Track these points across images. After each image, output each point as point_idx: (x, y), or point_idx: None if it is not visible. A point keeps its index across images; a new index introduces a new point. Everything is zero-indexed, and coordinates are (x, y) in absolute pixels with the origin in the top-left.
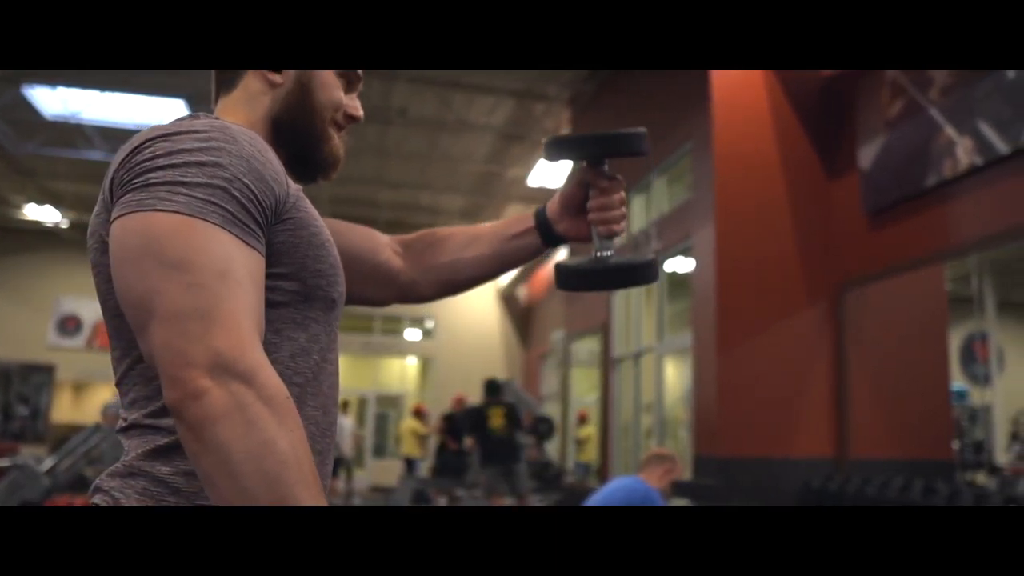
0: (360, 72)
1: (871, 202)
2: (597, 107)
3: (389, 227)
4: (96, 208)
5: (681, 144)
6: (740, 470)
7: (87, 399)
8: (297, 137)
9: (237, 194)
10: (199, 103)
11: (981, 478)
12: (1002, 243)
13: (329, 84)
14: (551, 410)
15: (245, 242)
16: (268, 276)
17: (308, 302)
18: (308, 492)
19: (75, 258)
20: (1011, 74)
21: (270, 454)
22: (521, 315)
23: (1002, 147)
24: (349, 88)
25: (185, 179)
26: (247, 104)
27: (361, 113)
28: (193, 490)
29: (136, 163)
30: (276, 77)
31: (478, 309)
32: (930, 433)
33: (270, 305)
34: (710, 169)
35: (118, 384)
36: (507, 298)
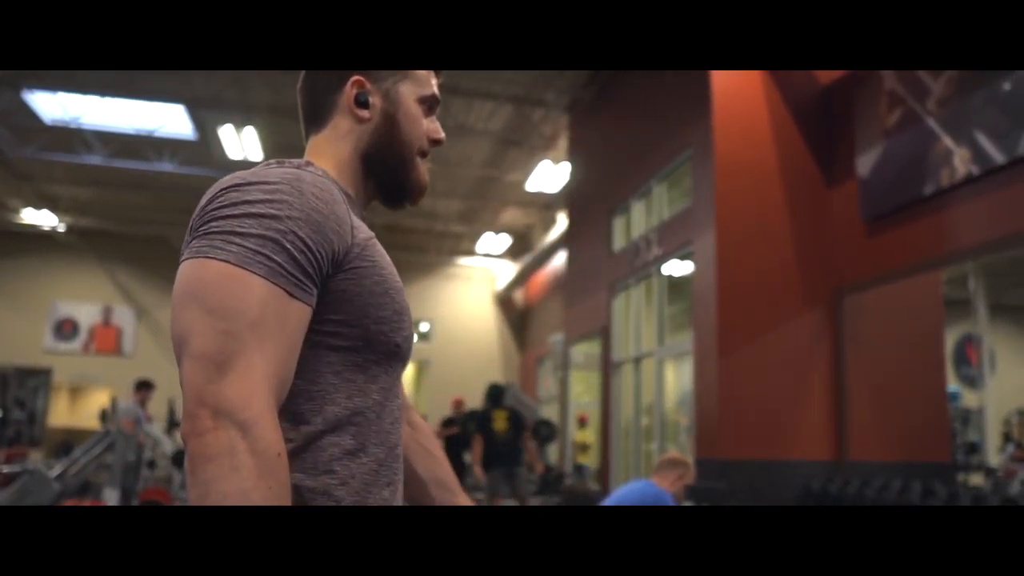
0: (439, 95)
1: (869, 209)
2: (595, 113)
3: (386, 230)
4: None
5: (680, 151)
6: (741, 473)
7: (84, 403)
8: (387, 169)
9: (289, 246)
10: (198, 108)
11: (976, 479)
12: (998, 250)
13: (413, 114)
14: (548, 413)
15: (289, 293)
16: (329, 322)
17: (370, 347)
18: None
19: (72, 262)
20: (1007, 86)
21: (243, 502)
22: (518, 318)
23: (998, 157)
24: (429, 112)
25: (240, 230)
26: (338, 142)
27: (443, 135)
28: (316, 486)
29: (207, 211)
30: (364, 113)
31: (474, 312)
32: (927, 436)
33: (331, 349)
34: (711, 177)
35: None
36: (503, 301)
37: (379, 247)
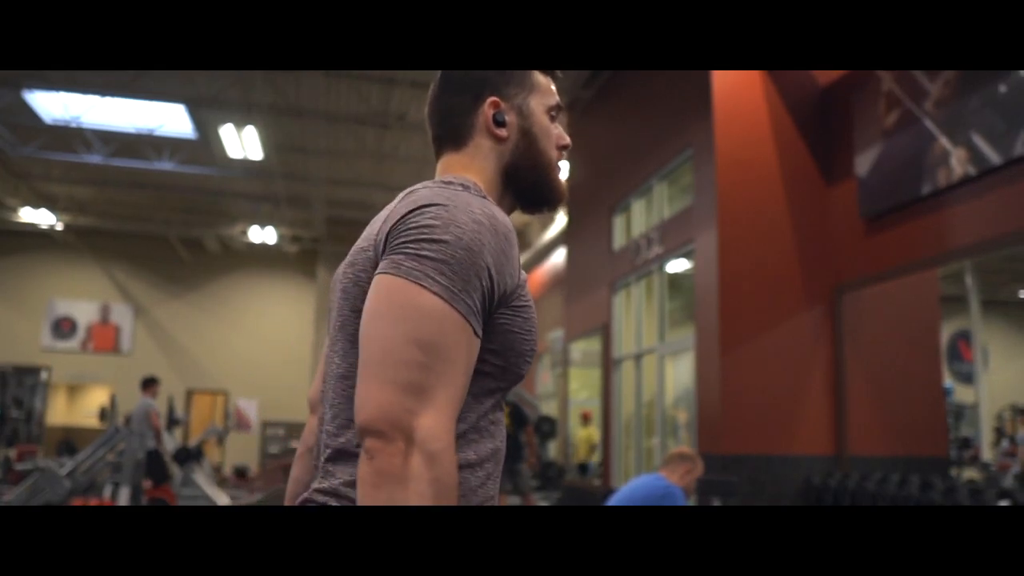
0: (560, 102)
1: (868, 208)
2: (594, 113)
3: None
4: (362, 243)
5: (681, 151)
6: (743, 467)
7: (81, 401)
8: (530, 182)
9: (482, 286)
10: (199, 107)
11: (971, 473)
12: (994, 249)
13: (546, 126)
14: (545, 409)
15: (475, 332)
16: (481, 350)
17: (505, 375)
18: None
19: (70, 261)
20: (1003, 88)
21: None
22: None
23: (995, 158)
24: (553, 120)
25: (451, 261)
26: (482, 161)
27: (568, 140)
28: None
29: (415, 226)
30: (503, 132)
31: None
32: (924, 431)
33: (476, 373)
34: (712, 176)
35: (336, 401)
36: None
37: (528, 285)
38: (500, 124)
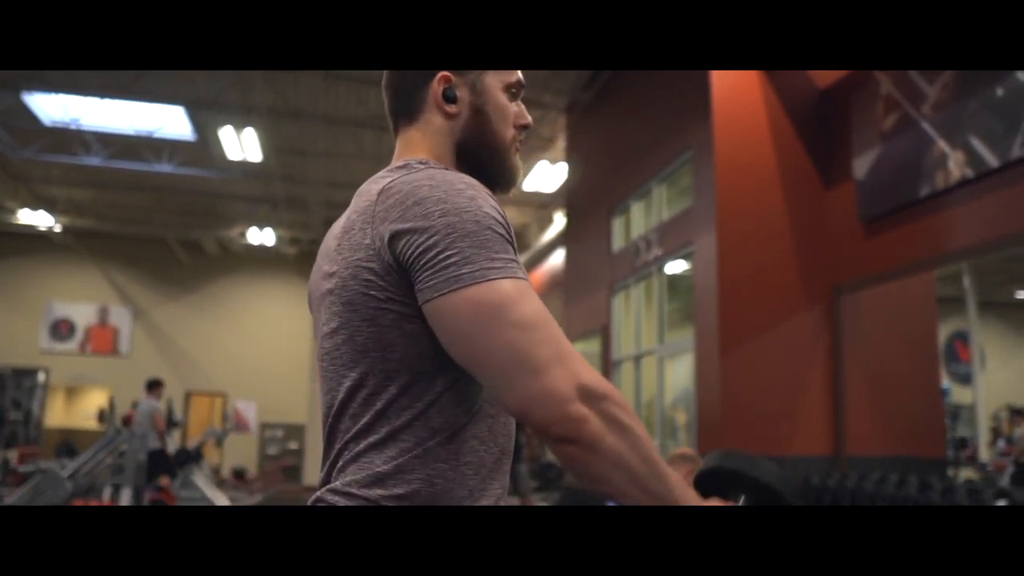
0: (522, 79)
1: (866, 210)
2: (594, 115)
3: None
4: (350, 254)
5: (680, 153)
6: None
7: (80, 403)
8: (482, 160)
9: (508, 238)
10: (198, 109)
11: (968, 473)
12: (992, 251)
13: (502, 105)
14: None
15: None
16: None
17: None
18: (662, 461)
19: (68, 263)
20: (1001, 91)
21: (643, 443)
22: None
23: (992, 160)
24: (513, 98)
25: (488, 243)
26: (432, 137)
27: (530, 119)
28: (455, 476)
29: (437, 229)
30: (452, 108)
31: None
32: (922, 431)
33: None
34: (711, 179)
35: (348, 412)
36: None
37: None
38: (450, 100)
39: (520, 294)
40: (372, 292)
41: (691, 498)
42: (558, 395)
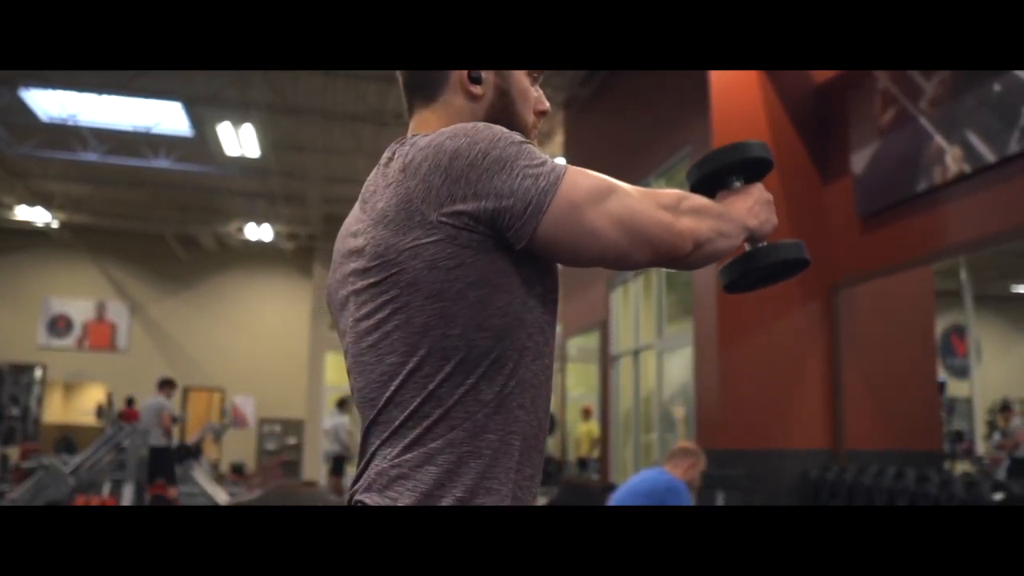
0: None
1: (864, 206)
2: (592, 111)
3: None
4: (405, 239)
5: (678, 149)
6: (741, 462)
7: (77, 399)
8: None
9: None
10: (196, 106)
11: (965, 467)
12: (989, 245)
13: (525, 88)
14: None
15: None
16: (536, 281)
17: (549, 310)
18: (719, 206)
19: (66, 258)
20: (998, 87)
21: (711, 211)
22: None
23: (989, 156)
24: (533, 83)
25: (536, 153)
26: (451, 118)
27: (548, 105)
28: (500, 445)
29: (501, 159)
30: (477, 89)
31: None
32: (919, 425)
33: (543, 305)
34: None
35: (397, 400)
36: None
37: None
38: (476, 81)
39: (580, 175)
40: (441, 263)
41: (740, 208)
42: (675, 232)
